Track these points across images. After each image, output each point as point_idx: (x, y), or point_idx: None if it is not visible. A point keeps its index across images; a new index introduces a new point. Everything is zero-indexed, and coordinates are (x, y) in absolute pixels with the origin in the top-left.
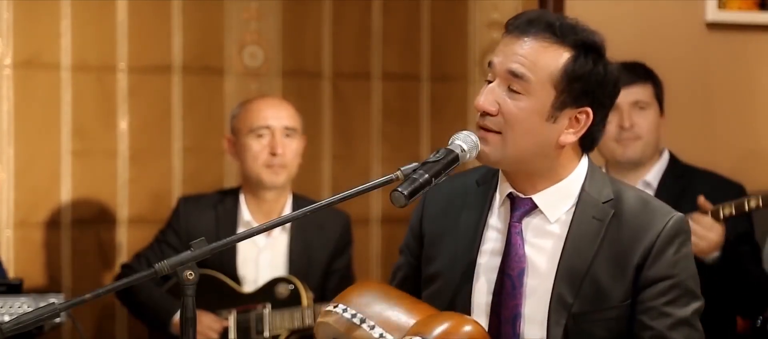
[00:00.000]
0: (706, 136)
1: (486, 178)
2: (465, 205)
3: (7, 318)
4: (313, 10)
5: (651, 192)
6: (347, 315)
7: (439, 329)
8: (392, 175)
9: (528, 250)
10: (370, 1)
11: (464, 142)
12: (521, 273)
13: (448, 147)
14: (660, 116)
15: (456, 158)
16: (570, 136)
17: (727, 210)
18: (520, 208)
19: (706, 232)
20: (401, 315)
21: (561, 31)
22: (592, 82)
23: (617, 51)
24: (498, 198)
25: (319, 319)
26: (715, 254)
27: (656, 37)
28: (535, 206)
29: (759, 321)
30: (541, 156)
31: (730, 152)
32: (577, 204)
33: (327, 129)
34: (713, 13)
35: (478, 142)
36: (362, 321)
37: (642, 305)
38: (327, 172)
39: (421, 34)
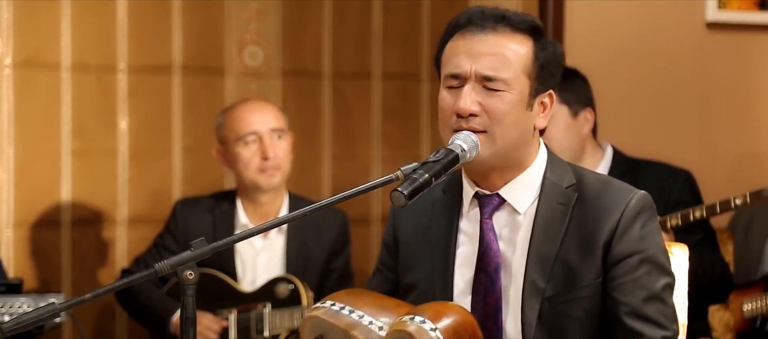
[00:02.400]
0: (706, 135)
1: (451, 185)
2: (434, 215)
3: (7, 318)
4: (313, 10)
5: None
6: (336, 307)
7: (446, 321)
8: (392, 175)
9: (501, 245)
10: (370, 1)
11: (464, 141)
12: (498, 268)
13: (448, 147)
14: (572, 118)
15: (456, 158)
16: (542, 120)
17: (674, 221)
18: (489, 205)
19: None
20: (389, 308)
21: (516, 20)
22: (553, 64)
23: (617, 51)
24: (465, 201)
25: (306, 315)
26: None
27: (656, 37)
28: (503, 201)
29: (758, 321)
30: (522, 145)
31: (730, 152)
32: (541, 192)
33: (327, 129)
34: (713, 13)
35: (478, 142)
36: (351, 311)
37: (613, 282)
38: (327, 172)
39: (421, 34)
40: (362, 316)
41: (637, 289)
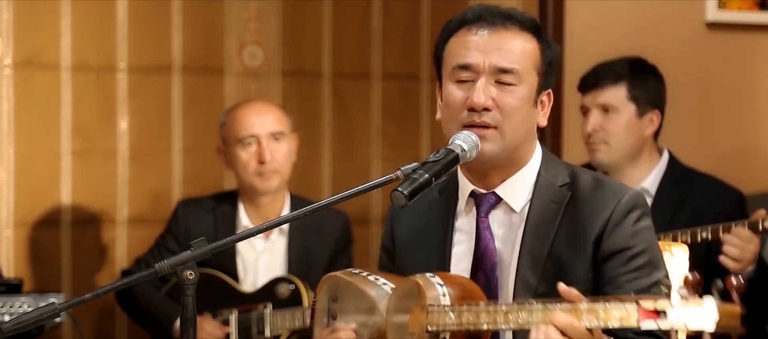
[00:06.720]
0: (706, 135)
1: (446, 185)
2: (430, 215)
3: (7, 318)
4: (313, 10)
5: (649, 200)
6: (354, 270)
7: (454, 281)
8: (392, 175)
9: (498, 244)
10: (370, 1)
11: (464, 141)
12: (494, 267)
13: (448, 147)
14: (638, 117)
15: (456, 158)
16: (543, 119)
17: (684, 237)
18: (485, 203)
19: (746, 243)
20: (399, 276)
21: (521, 18)
22: (555, 64)
23: (617, 51)
24: (461, 200)
25: (323, 278)
26: (750, 268)
27: (656, 36)
28: (499, 199)
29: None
30: (526, 142)
31: (730, 151)
32: (535, 190)
33: (327, 129)
34: (713, 13)
35: (479, 142)
36: (368, 274)
37: (605, 277)
38: (327, 172)
39: (421, 34)
40: (377, 279)
41: (630, 283)
